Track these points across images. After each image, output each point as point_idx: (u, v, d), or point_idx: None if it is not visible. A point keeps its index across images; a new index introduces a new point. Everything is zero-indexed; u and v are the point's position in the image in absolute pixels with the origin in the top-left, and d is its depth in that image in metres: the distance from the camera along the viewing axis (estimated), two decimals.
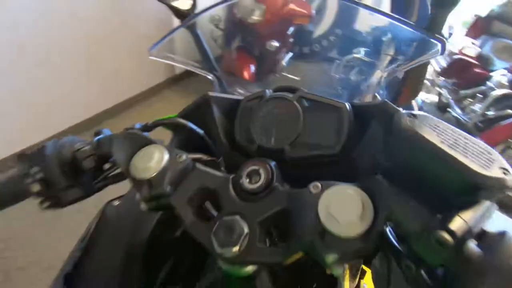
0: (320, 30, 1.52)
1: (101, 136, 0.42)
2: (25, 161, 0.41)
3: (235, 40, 1.69)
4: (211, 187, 0.32)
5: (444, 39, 0.46)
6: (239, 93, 0.54)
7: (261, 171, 0.32)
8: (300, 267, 0.36)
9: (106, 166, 0.44)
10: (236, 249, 0.28)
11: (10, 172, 0.42)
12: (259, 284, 0.35)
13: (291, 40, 1.59)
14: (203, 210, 0.33)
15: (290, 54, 1.32)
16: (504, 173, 0.22)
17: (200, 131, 0.40)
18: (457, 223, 0.22)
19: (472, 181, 0.22)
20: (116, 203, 0.49)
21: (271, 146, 0.39)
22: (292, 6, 1.62)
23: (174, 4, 0.76)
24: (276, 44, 1.42)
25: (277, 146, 0.39)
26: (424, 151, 0.24)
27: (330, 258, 0.25)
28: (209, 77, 0.62)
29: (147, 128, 0.41)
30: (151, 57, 0.56)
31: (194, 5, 0.77)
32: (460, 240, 0.22)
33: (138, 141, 0.36)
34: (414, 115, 0.26)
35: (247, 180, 0.32)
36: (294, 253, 0.28)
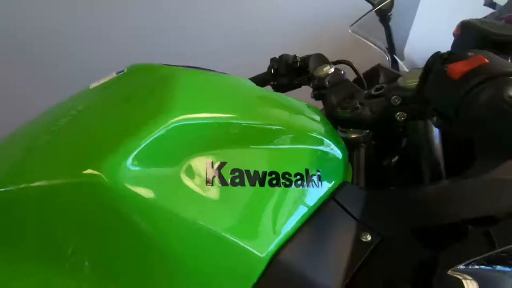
0: None
1: (304, 55, 0.70)
2: (273, 60, 0.74)
3: None
4: (351, 91, 0.52)
5: None
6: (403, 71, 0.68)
7: (384, 87, 0.48)
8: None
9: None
10: (348, 110, 0.48)
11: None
12: (356, 152, 0.51)
13: None
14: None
15: None
16: None
17: (360, 75, 0.64)
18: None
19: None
20: None
21: None
22: None
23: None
24: None
25: None
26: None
27: (396, 99, 0.43)
28: (387, 57, 0.72)
29: (332, 61, 0.64)
30: (350, 31, 0.70)
31: (392, 3, 0.82)
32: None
33: (321, 59, 0.63)
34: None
35: (374, 89, 0.49)
36: (380, 110, 0.46)
